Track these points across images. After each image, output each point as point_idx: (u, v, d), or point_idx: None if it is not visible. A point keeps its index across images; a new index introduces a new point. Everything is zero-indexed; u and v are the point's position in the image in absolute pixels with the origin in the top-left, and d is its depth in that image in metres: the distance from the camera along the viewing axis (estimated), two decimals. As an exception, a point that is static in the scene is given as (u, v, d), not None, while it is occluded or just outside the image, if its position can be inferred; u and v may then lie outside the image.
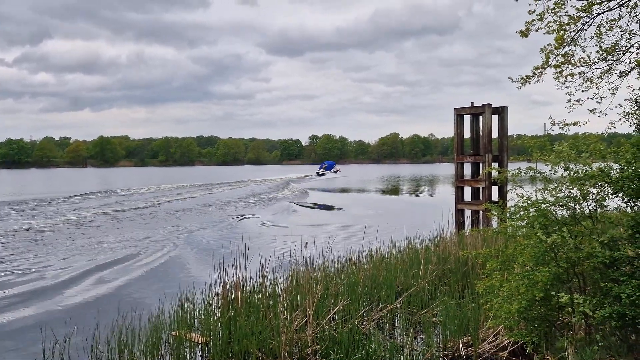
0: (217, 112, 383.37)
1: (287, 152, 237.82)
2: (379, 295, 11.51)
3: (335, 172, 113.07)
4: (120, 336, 9.02)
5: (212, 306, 10.28)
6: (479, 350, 8.61)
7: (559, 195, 8.04)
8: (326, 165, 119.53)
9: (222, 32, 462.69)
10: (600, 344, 7.19)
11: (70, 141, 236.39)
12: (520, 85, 12.84)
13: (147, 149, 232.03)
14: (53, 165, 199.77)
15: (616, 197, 7.91)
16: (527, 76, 12.74)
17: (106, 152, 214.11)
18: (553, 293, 7.51)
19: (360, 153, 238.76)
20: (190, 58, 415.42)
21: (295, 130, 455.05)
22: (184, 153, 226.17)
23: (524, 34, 12.25)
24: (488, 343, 8.76)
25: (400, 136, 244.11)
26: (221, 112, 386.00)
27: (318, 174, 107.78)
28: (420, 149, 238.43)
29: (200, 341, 9.40)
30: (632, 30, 11.72)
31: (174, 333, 9.48)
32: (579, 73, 12.38)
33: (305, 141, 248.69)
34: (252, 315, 9.44)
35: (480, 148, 21.36)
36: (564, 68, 12.39)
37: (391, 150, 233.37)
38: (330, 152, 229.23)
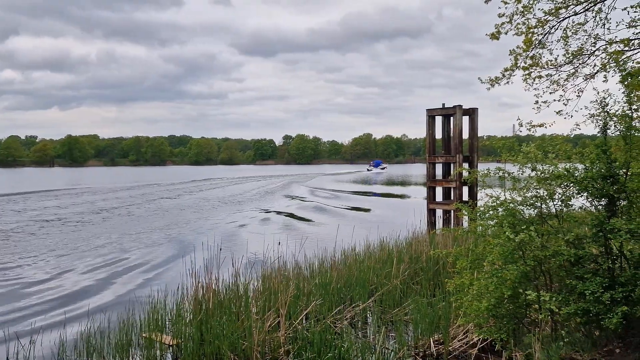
0: (190, 111, 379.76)
1: (261, 152, 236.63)
2: (352, 294, 11.56)
3: (383, 168, 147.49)
4: (88, 339, 8.83)
5: (183, 308, 10.15)
6: (450, 348, 8.72)
7: (526, 195, 8.21)
8: (373, 163, 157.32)
9: (194, 32, 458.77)
10: (565, 340, 7.38)
11: (37, 140, 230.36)
12: (490, 86, 13.10)
13: (118, 149, 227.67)
14: (19, 164, 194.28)
15: (581, 196, 8.12)
16: (496, 77, 13.01)
17: (74, 152, 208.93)
18: (521, 291, 7.67)
19: (334, 153, 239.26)
20: (162, 57, 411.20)
21: (268, 131, 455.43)
22: (155, 153, 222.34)
23: (495, 36, 12.51)
24: (458, 341, 8.87)
25: (373, 137, 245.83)
26: (193, 112, 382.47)
27: (368, 170, 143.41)
28: (393, 150, 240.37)
29: (171, 343, 9.28)
30: (597, 34, 12.06)
31: (144, 335, 9.33)
32: (547, 75, 12.69)
33: (278, 141, 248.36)
34: (224, 317, 9.35)
35: (451, 149, 21.67)
36: (532, 70, 12.69)
37: (364, 150, 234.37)
38: (303, 153, 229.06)
